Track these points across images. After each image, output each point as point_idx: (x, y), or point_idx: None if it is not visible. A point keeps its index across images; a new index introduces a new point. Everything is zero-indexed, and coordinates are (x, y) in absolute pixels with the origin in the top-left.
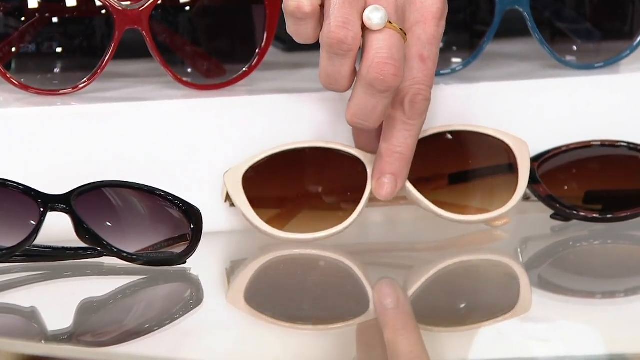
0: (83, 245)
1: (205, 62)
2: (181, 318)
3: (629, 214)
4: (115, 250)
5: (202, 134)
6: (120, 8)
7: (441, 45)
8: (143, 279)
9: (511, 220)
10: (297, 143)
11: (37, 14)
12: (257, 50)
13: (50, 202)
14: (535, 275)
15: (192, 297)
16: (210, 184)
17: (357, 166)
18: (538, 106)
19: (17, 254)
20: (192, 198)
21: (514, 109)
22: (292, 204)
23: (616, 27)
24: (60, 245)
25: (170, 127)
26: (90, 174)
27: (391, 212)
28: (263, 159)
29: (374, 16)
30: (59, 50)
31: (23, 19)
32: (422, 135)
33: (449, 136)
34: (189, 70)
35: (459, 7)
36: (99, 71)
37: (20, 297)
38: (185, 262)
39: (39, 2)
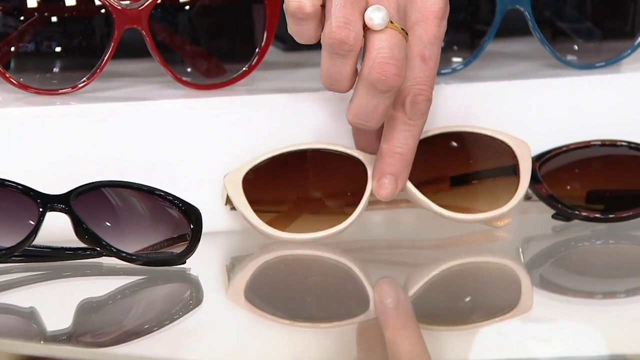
0: (82, 245)
1: (205, 62)
2: (181, 318)
3: (630, 213)
4: (115, 250)
5: (202, 134)
6: (119, 7)
7: (442, 44)
8: (142, 279)
9: (512, 220)
10: (296, 145)
11: (36, 13)
12: (257, 50)
13: (49, 202)
14: (536, 275)
15: (192, 297)
16: (210, 184)
17: (358, 167)
18: (539, 105)
19: (16, 254)
20: (191, 198)
21: (515, 109)
22: (293, 206)
23: (617, 26)
24: (59, 245)
25: (169, 127)
26: (90, 173)
27: (392, 213)
28: (262, 161)
29: (376, 16)
30: (58, 49)
31: (22, 18)
32: (423, 136)
33: (450, 137)
34: (189, 69)
35: (459, 7)
36: (98, 71)
37: (20, 298)
38: (184, 263)
39: (38, 2)
